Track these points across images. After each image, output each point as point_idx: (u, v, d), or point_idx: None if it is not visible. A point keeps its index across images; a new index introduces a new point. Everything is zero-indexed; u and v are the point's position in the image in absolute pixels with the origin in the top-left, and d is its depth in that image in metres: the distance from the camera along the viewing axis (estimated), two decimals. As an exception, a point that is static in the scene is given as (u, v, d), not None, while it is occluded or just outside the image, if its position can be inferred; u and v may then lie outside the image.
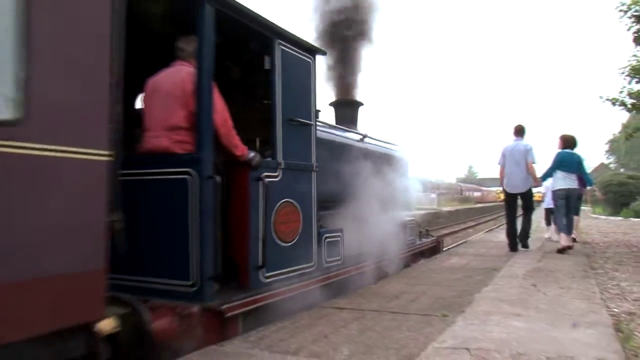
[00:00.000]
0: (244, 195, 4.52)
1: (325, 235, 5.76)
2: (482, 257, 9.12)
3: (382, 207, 7.04)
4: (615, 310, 5.21)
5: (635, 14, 8.98)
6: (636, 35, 9.34)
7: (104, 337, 2.98)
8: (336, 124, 7.40)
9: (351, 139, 7.19)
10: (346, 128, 7.43)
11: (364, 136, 7.63)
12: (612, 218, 26.33)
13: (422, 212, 23.46)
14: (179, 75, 4.29)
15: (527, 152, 9.61)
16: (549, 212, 12.71)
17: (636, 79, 10.28)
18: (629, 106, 10.86)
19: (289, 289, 4.82)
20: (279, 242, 4.87)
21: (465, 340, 3.74)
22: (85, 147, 2.81)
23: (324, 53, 6.23)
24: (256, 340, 3.73)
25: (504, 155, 9.77)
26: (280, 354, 3.40)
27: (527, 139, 9.89)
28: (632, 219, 24.73)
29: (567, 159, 9.78)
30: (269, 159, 4.82)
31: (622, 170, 41.65)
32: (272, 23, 4.89)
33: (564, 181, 9.71)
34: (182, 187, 4.00)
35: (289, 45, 5.22)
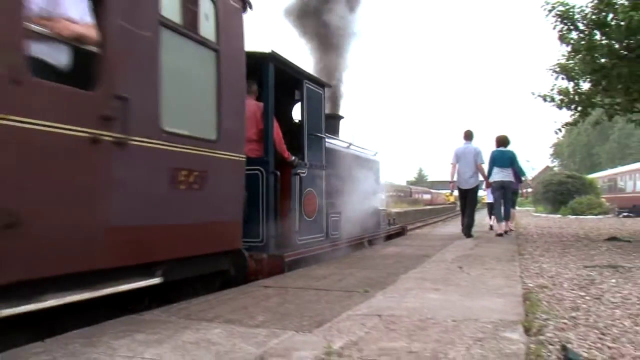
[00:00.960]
0: (288, 185, 6.94)
1: (330, 214, 8.21)
2: (417, 247, 9.38)
3: (366, 198, 9.54)
4: (530, 284, 5.50)
5: (558, 12, 9.43)
6: (561, 33, 9.79)
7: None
8: None
9: (342, 147, 9.33)
10: (336, 137, 9.42)
11: (350, 144, 9.77)
12: (551, 216, 27.27)
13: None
14: (250, 107, 6.20)
15: (477, 154, 11.13)
16: (490, 206, 14.19)
17: (562, 76, 10.78)
18: (558, 102, 11.34)
19: (311, 249, 7.24)
20: (305, 217, 7.32)
21: (380, 309, 3.90)
22: (238, 153, 5.30)
23: (330, 86, 8.85)
24: (176, 311, 3.81)
25: (456, 155, 11.17)
26: (196, 321, 3.48)
27: (476, 142, 11.50)
28: (569, 216, 25.65)
29: (500, 156, 11.52)
30: (300, 161, 7.16)
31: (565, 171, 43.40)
32: (303, 70, 7.59)
33: (498, 175, 11.45)
34: (256, 179, 6.31)
35: (311, 83, 7.76)
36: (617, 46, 9.23)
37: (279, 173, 6.53)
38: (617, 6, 8.53)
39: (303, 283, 5.19)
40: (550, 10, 9.61)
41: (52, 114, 3.28)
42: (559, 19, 9.58)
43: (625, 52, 9.07)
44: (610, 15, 8.78)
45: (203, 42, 4.88)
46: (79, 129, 3.46)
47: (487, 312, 3.83)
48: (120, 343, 2.93)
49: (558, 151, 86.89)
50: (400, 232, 12.85)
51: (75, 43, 3.65)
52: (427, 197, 68.13)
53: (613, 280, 5.84)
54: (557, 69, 10.83)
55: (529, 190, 47.58)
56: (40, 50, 3.41)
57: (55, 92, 3.36)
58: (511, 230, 12.90)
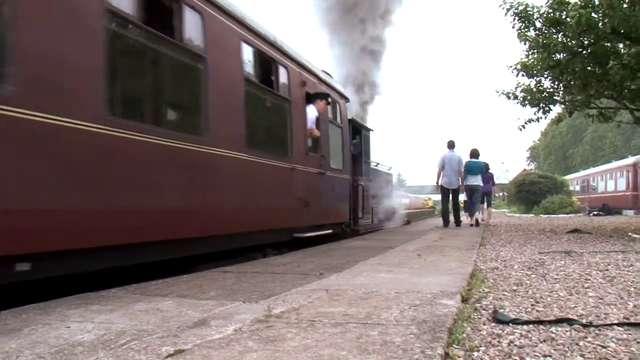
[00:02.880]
0: (357, 190, 11.97)
1: (373, 208, 13.64)
2: (383, 240, 9.59)
3: (388, 199, 15.73)
4: (482, 267, 5.74)
5: (516, 12, 9.75)
6: (519, 32, 10.13)
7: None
8: None
9: (374, 165, 14.73)
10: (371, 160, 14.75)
11: (378, 163, 15.22)
12: (524, 215, 27.72)
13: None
14: None
15: (459, 162, 13.88)
16: (466, 204, 17.12)
17: (522, 73, 11.13)
18: (521, 99, 11.69)
19: (367, 229, 12.73)
20: (364, 209, 12.47)
21: (329, 285, 4.09)
22: (348, 175, 11.14)
23: (373, 130, 14.69)
24: (133, 289, 3.96)
25: (443, 161, 13.81)
26: (151, 296, 3.64)
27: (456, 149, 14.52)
28: (542, 215, 26.12)
29: (472, 166, 14.25)
30: (362, 177, 12.53)
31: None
32: (363, 124, 13.79)
33: (470, 180, 14.27)
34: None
35: (365, 130, 13.58)
36: (572, 42, 9.57)
37: (355, 184, 11.86)
38: (569, 4, 8.87)
39: (262, 269, 5.37)
40: (508, 9, 9.92)
41: (312, 165, 8.79)
42: (517, 18, 9.90)
43: (579, 49, 9.43)
44: (564, 13, 9.12)
45: (338, 125, 10.72)
46: (316, 170, 9.01)
47: (431, 286, 4.03)
48: (73, 312, 3.09)
49: (534, 154, 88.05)
50: (407, 222, 19.48)
51: (315, 138, 9.11)
52: (405, 201, 68.43)
53: (562, 262, 6.12)
54: (519, 67, 11.17)
55: (505, 194, 48.44)
56: (308, 142, 8.81)
57: (311, 157, 8.85)
58: (483, 221, 16.15)
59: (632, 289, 4.26)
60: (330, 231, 9.64)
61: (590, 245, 8.57)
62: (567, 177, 42.24)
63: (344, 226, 10.96)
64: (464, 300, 3.71)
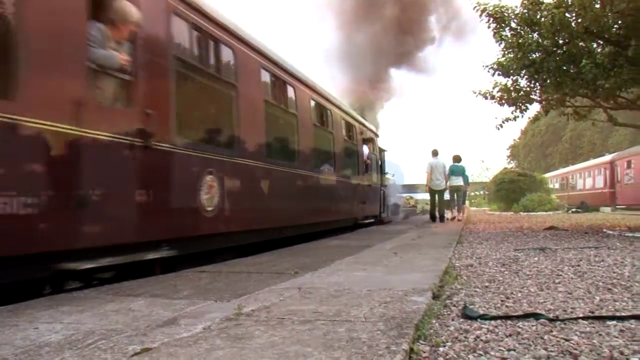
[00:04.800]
0: (380, 194, 17.83)
1: (388, 206, 21.15)
2: (361, 239, 9.61)
3: (396, 199, 24.59)
4: (457, 264, 5.80)
5: (490, 13, 9.85)
6: (495, 32, 10.23)
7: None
8: None
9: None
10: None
11: (387, 172, 20.65)
12: (504, 213, 27.98)
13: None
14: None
15: (443, 166, 16.73)
16: (448, 202, 19.19)
17: (498, 72, 11.22)
18: (498, 99, 11.79)
19: (387, 221, 19.40)
20: (385, 207, 19.51)
21: (302, 284, 4.11)
22: (378, 185, 17.45)
23: (387, 150, 21.73)
24: (106, 290, 3.94)
25: (430, 166, 16.51)
26: (124, 296, 3.63)
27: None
28: (521, 213, 26.38)
29: (455, 169, 17.14)
30: (382, 184, 18.49)
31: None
32: (383, 148, 20.22)
33: (454, 181, 17.05)
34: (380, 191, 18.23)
35: (384, 152, 20.11)
36: (547, 42, 9.69)
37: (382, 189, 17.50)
38: (542, 4, 8.98)
39: (238, 268, 5.38)
40: (483, 11, 10.01)
41: (365, 181, 14.80)
42: (492, 19, 9.99)
43: (554, 48, 9.55)
44: (539, 13, 9.23)
45: (374, 154, 16.63)
46: (366, 183, 15.06)
47: (403, 283, 4.07)
48: (43, 313, 3.07)
49: (514, 153, 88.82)
50: (406, 217, 25.07)
51: (367, 165, 15.40)
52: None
53: (535, 259, 6.21)
54: (495, 66, 11.26)
55: (486, 192, 49.13)
56: (363, 167, 14.96)
57: (365, 176, 14.90)
58: (460, 220, 17.53)
59: (601, 283, 4.35)
60: (372, 220, 15.90)
61: (566, 241, 8.70)
62: (547, 175, 42.70)
63: (373, 218, 16.20)
64: (436, 297, 3.75)
